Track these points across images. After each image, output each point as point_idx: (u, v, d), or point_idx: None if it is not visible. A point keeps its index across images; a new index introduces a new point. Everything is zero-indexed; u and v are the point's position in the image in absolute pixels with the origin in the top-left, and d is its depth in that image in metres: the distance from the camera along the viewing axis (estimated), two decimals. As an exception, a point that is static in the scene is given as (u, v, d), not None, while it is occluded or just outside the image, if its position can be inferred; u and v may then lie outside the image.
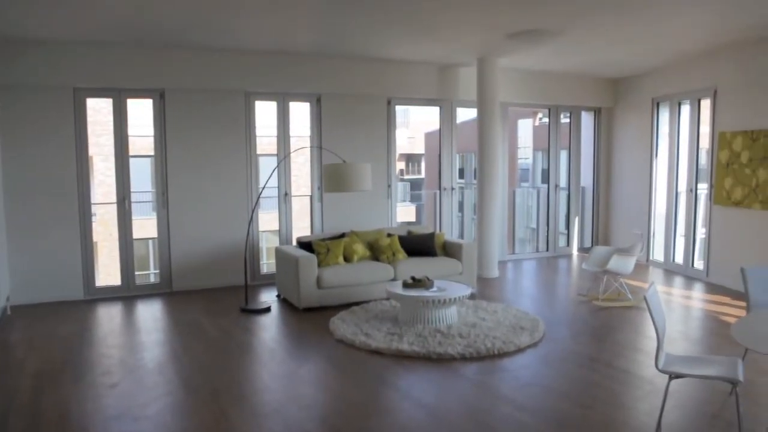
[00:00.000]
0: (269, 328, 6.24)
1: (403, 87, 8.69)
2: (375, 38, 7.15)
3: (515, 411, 4.11)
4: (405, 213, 19.00)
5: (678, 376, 3.49)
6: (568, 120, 10.44)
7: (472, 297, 6.90)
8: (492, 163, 8.46)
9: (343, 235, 7.47)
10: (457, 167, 10.16)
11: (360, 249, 7.26)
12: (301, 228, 8.90)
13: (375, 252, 7.35)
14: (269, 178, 7.36)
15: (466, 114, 9.97)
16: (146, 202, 12.79)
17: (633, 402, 4.30)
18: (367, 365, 5.03)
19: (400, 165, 25.93)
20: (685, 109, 8.70)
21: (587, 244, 10.55)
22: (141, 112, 8.22)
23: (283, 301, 7.22)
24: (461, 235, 11.62)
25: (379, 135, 8.66)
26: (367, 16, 6.12)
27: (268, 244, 13.61)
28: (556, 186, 10.20)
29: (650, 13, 6.06)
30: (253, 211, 7.52)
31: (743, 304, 4.33)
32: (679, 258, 8.86)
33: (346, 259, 7.14)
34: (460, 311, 6.28)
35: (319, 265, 6.80)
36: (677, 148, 8.83)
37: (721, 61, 7.82)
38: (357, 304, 6.81)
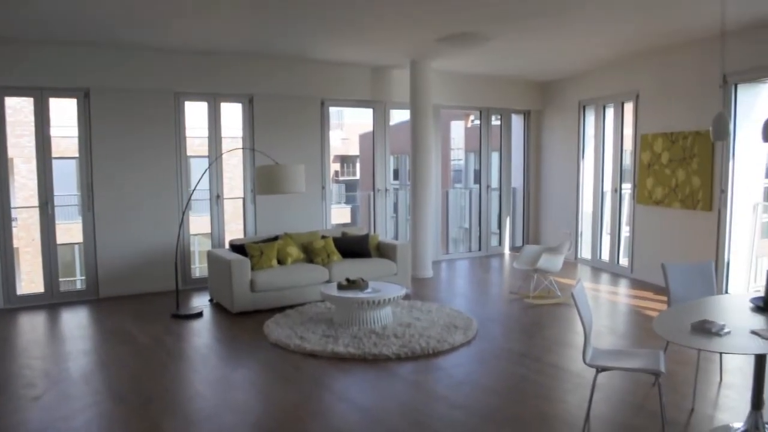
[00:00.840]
0: (201, 333, 6.11)
1: (337, 88, 8.68)
2: (307, 39, 7.11)
3: (449, 409, 4.17)
4: (340, 215, 18.98)
5: (604, 369, 3.61)
6: (499, 122, 10.66)
7: (406, 297, 6.96)
8: (425, 165, 8.55)
9: (276, 238, 7.39)
10: (392, 169, 10.23)
11: (294, 251, 7.19)
12: (234, 231, 8.76)
13: (309, 254, 7.30)
14: (200, 180, 7.20)
15: (400, 116, 10.06)
16: (71, 205, 12.28)
17: (563, 395, 4.43)
18: (302, 368, 4.99)
19: (335, 167, 25.85)
20: (610, 112, 9.03)
21: (518, 243, 10.82)
22: (64, 111, 7.90)
23: (216, 305, 7.08)
24: (396, 236, 11.69)
25: (313, 136, 8.61)
26: (298, 17, 6.09)
27: (200, 247, 13.31)
28: (488, 187, 10.40)
29: (574, 20, 6.28)
30: (183, 214, 7.34)
31: (665, 298, 4.52)
32: (606, 255, 9.18)
33: (280, 262, 7.07)
34: (395, 312, 6.32)
35: (253, 268, 6.70)
36: (603, 149, 9.15)
37: (642, 67, 8.15)
38: (291, 307, 6.74)
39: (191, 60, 7.64)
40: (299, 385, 4.67)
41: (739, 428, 3.65)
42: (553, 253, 7.21)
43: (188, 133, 7.97)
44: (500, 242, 10.74)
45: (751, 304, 3.77)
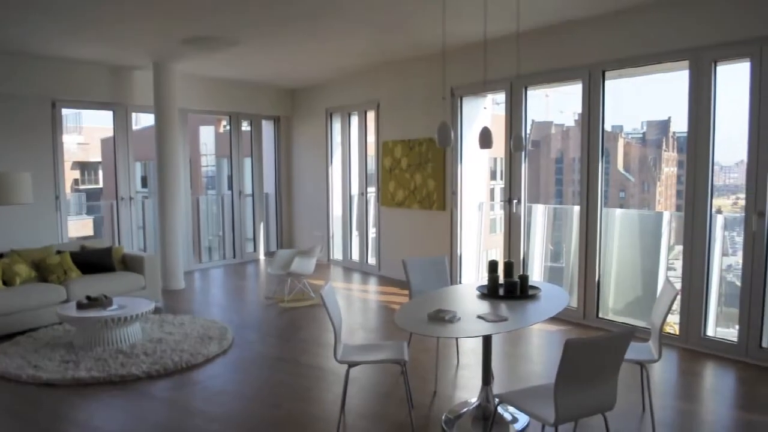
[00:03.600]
0: None
1: (70, 88, 7.88)
2: (33, 32, 6.34)
3: (207, 422, 4.04)
4: (81, 227, 17.27)
5: (355, 364, 3.79)
6: (249, 128, 10.61)
7: (157, 311, 6.60)
8: (172, 171, 8.17)
9: (1, 256, 6.52)
10: (139, 176, 9.60)
11: (23, 270, 6.40)
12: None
13: (42, 272, 6.54)
14: None
15: (147, 119, 9.48)
16: None
17: (319, 394, 4.55)
18: (39, 401, 4.45)
19: (75, 174, 23.52)
20: (355, 120, 9.52)
21: (273, 248, 10.88)
22: None
23: None
24: (145, 248, 11.01)
25: (43, 141, 7.72)
26: (19, 5, 5.40)
27: None
28: (241, 192, 10.30)
29: (318, 32, 6.50)
30: None
31: (407, 292, 4.88)
32: (356, 255, 9.64)
33: (6, 283, 6.23)
34: (145, 328, 5.96)
35: (-30, 292, 5.82)
36: (349, 155, 9.61)
37: (382, 78, 8.72)
38: (23, 333, 5.98)
39: None
40: (34, 422, 4.16)
41: (474, 402, 4.07)
42: (305, 256, 7.38)
43: None
44: (255, 248, 10.70)
45: (478, 292, 4.25)
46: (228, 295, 8.24)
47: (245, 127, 10.55)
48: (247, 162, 10.55)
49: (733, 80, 5.17)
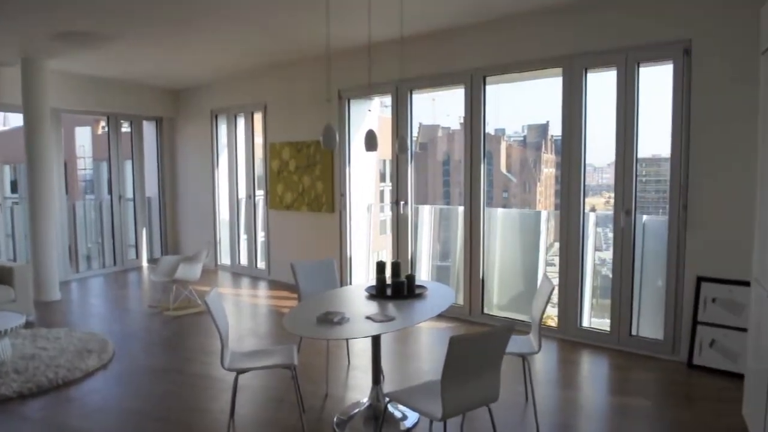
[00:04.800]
0: None
1: None
2: None
3: (84, 441, 3.83)
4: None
5: (243, 371, 3.71)
6: (129, 129, 10.14)
7: (29, 325, 6.16)
8: (44, 175, 7.64)
9: None
10: (8, 180, 8.91)
11: None
12: None
13: None
14: None
15: (17, 119, 8.81)
16: None
17: (207, 403, 4.42)
18: None
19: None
20: (241, 122, 9.34)
21: (157, 254, 10.45)
22: None
23: None
24: (15, 257, 10.25)
25: None
26: None
27: None
28: (121, 197, 9.82)
29: (199, 31, 6.32)
30: None
31: (296, 295, 4.85)
32: (245, 260, 9.46)
33: None
34: (15, 344, 5.54)
35: None
36: (236, 157, 9.41)
37: (269, 79, 8.61)
38: None
39: None
40: None
41: (365, 403, 4.10)
42: (190, 262, 7.15)
43: None
44: (137, 255, 10.23)
45: (366, 293, 4.29)
46: (108, 305, 7.82)
47: (125, 128, 10.07)
48: (128, 165, 10.08)
49: (603, 87, 5.53)
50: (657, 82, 5.35)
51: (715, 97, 4.83)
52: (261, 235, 9.25)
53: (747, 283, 4.01)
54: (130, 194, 10.11)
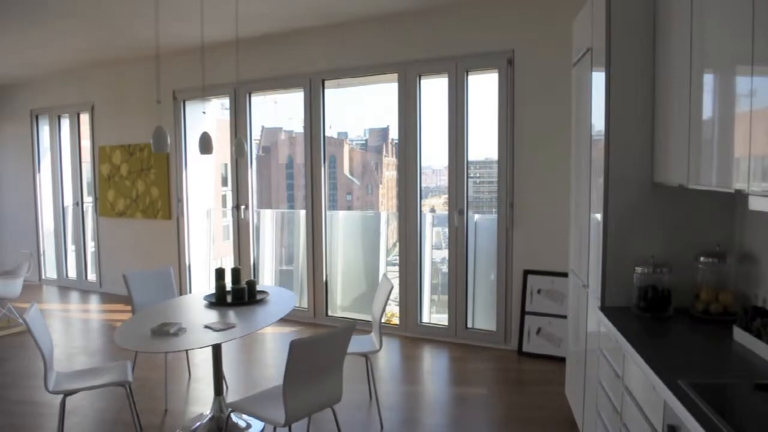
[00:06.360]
0: None
1: None
2: None
3: None
4: None
5: (71, 392, 3.44)
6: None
7: None
8: None
9: None
10: None
11: None
12: None
13: None
14: None
15: None
16: None
17: (33, 431, 4.05)
18: None
19: None
20: (66, 123, 8.66)
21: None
22: None
23: None
24: None
25: None
26: None
27: None
28: None
29: (16, 19, 5.77)
30: None
31: (131, 307, 4.58)
32: (73, 272, 8.79)
33: None
34: None
35: None
36: (60, 161, 8.71)
37: (97, 77, 8.06)
38: None
39: None
40: None
41: (207, 415, 3.97)
42: (9, 277, 6.51)
43: None
44: (-56, 272, 9.15)
45: (205, 301, 4.16)
46: None
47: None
48: (-70, 171, 8.99)
49: (439, 92, 5.78)
50: (486, 89, 5.70)
51: (536, 104, 5.25)
52: (91, 246, 8.64)
53: (566, 275, 4.38)
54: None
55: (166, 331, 3.33)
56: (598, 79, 3.07)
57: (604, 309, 2.93)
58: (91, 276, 8.65)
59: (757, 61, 1.84)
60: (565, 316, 4.74)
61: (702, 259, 2.77)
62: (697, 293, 2.77)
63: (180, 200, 7.44)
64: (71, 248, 8.84)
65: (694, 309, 2.75)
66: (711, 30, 2.23)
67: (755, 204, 1.87)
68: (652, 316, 2.76)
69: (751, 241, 2.70)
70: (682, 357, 2.24)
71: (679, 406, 1.75)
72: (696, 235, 2.87)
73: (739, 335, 2.32)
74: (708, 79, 2.28)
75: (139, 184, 7.75)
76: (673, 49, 2.64)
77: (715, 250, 2.76)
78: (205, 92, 6.96)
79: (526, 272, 5.41)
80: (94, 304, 7.83)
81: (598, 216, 3.06)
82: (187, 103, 7.35)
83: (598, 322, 2.96)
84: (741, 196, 2.11)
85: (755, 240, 2.66)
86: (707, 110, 2.27)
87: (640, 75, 2.89)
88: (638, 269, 2.85)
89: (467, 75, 5.58)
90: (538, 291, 5.35)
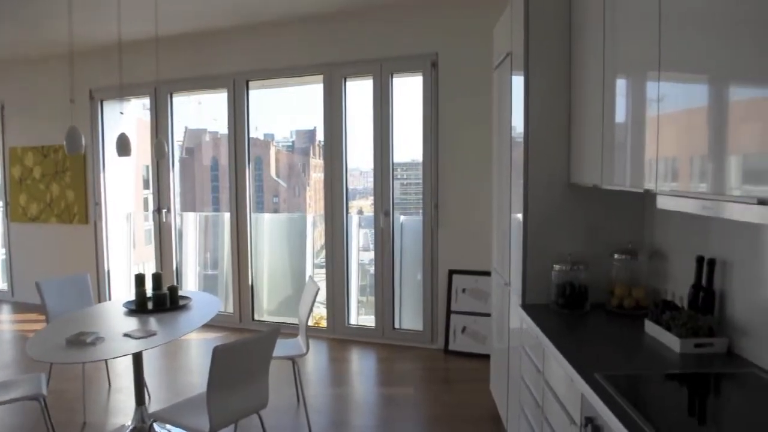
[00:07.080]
0: None
1: None
2: None
3: None
4: None
5: (-22, 408, 3.25)
6: None
7: None
8: None
9: None
10: None
11: None
12: None
13: None
14: None
15: None
16: None
17: (-68, 452, 3.81)
18: None
19: None
20: (-29, 123, 8.18)
21: None
22: None
23: None
24: None
25: None
26: None
27: None
28: None
29: None
30: None
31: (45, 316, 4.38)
32: (-19, 281, 8.33)
33: None
34: None
35: None
36: (-35, 164, 8.23)
37: (7, 76, 7.65)
38: None
39: None
40: None
41: (129, 426, 3.84)
42: None
43: None
44: None
45: (125, 309, 4.01)
46: None
47: None
48: None
49: (365, 94, 5.79)
50: (410, 92, 5.76)
51: (458, 107, 5.35)
52: (1, 252, 8.20)
53: (489, 273, 4.48)
54: None
55: (83, 340, 3.19)
56: (518, 83, 3.15)
57: (525, 306, 3.01)
58: (2, 285, 8.21)
59: (664, 67, 1.93)
60: (489, 314, 4.85)
61: (616, 256, 2.90)
62: (612, 289, 2.89)
63: (98, 204, 7.16)
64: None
65: (610, 304, 2.87)
66: (622, 37, 2.33)
67: (662, 203, 1.96)
68: (570, 312, 2.86)
69: (660, 238, 2.84)
70: (599, 351, 2.33)
71: (595, 398, 1.81)
72: (610, 234, 3.00)
73: (651, 328, 2.44)
74: (620, 84, 2.38)
75: (54, 187, 7.41)
76: (587, 55, 2.74)
77: (627, 248, 2.89)
78: (123, 92, 6.71)
79: (451, 272, 5.50)
80: (5, 314, 7.44)
81: (519, 216, 3.14)
82: (105, 102, 7.09)
83: (520, 320, 3.03)
84: (650, 196, 2.21)
85: (664, 237, 2.79)
86: (620, 114, 2.37)
87: (557, 79, 2.99)
88: (556, 267, 2.94)
89: (392, 77, 5.62)
90: (463, 290, 5.44)
